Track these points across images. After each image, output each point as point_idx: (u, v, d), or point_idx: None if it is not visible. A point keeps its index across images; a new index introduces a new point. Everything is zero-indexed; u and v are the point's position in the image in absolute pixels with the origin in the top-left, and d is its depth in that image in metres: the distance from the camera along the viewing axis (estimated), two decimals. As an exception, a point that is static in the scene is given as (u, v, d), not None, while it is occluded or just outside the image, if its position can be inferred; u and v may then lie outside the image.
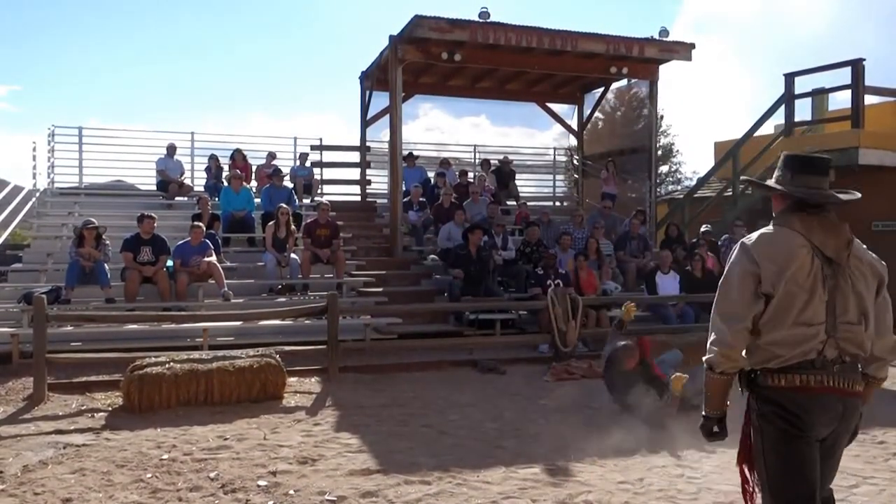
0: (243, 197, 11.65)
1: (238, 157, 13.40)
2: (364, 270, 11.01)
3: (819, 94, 13.41)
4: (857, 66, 12.00)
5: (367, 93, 13.94)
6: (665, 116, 26.14)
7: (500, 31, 11.30)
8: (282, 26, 76.20)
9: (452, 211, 11.59)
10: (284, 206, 10.56)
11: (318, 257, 10.37)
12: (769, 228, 2.63)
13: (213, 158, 13.61)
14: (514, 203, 14.21)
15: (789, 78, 13.06)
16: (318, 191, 14.29)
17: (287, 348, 7.76)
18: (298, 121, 63.37)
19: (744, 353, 2.57)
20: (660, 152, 21.21)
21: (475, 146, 16.71)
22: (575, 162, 16.05)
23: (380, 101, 13.35)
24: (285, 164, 14.31)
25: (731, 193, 13.79)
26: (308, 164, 14.18)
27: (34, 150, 13.62)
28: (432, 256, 11.73)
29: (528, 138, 23.61)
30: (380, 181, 14.40)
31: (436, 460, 4.91)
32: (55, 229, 11.41)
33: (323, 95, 66.25)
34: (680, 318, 10.10)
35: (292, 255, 10.27)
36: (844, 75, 12.35)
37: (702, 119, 48.16)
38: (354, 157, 14.83)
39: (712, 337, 2.56)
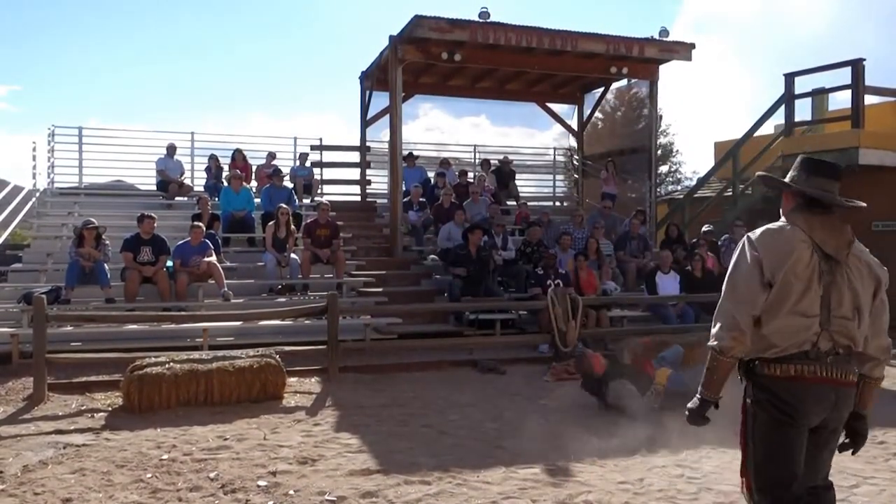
0: (243, 197, 11.65)
1: (238, 157, 13.41)
2: (364, 270, 11.01)
3: (819, 94, 13.41)
4: (857, 66, 12.00)
5: (367, 93, 13.95)
6: (665, 116, 26.17)
7: (500, 31, 11.30)
8: (282, 26, 76.33)
9: (452, 211, 11.59)
10: (284, 206, 10.57)
11: (318, 257, 10.37)
12: (773, 224, 2.75)
13: (213, 158, 13.62)
14: (514, 203, 14.21)
15: (789, 78, 13.06)
16: (318, 191, 14.28)
17: (287, 348, 7.75)
18: (298, 121, 63.47)
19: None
20: (660, 152, 21.21)
21: (475, 146, 16.71)
22: (575, 162, 16.05)
23: (380, 101, 13.36)
24: (285, 164, 14.32)
25: (731, 193, 13.80)
26: (308, 164, 14.17)
27: (34, 150, 13.66)
28: (432, 256, 11.73)
29: (528, 138, 23.54)
30: (380, 181, 14.43)
31: (436, 460, 4.90)
32: (55, 229, 11.40)
33: (323, 95, 66.36)
34: (680, 318, 10.09)
35: (292, 256, 10.27)
36: (844, 75, 12.37)
37: (702, 119, 48.19)
38: (354, 157, 14.84)
39: (723, 323, 2.65)
